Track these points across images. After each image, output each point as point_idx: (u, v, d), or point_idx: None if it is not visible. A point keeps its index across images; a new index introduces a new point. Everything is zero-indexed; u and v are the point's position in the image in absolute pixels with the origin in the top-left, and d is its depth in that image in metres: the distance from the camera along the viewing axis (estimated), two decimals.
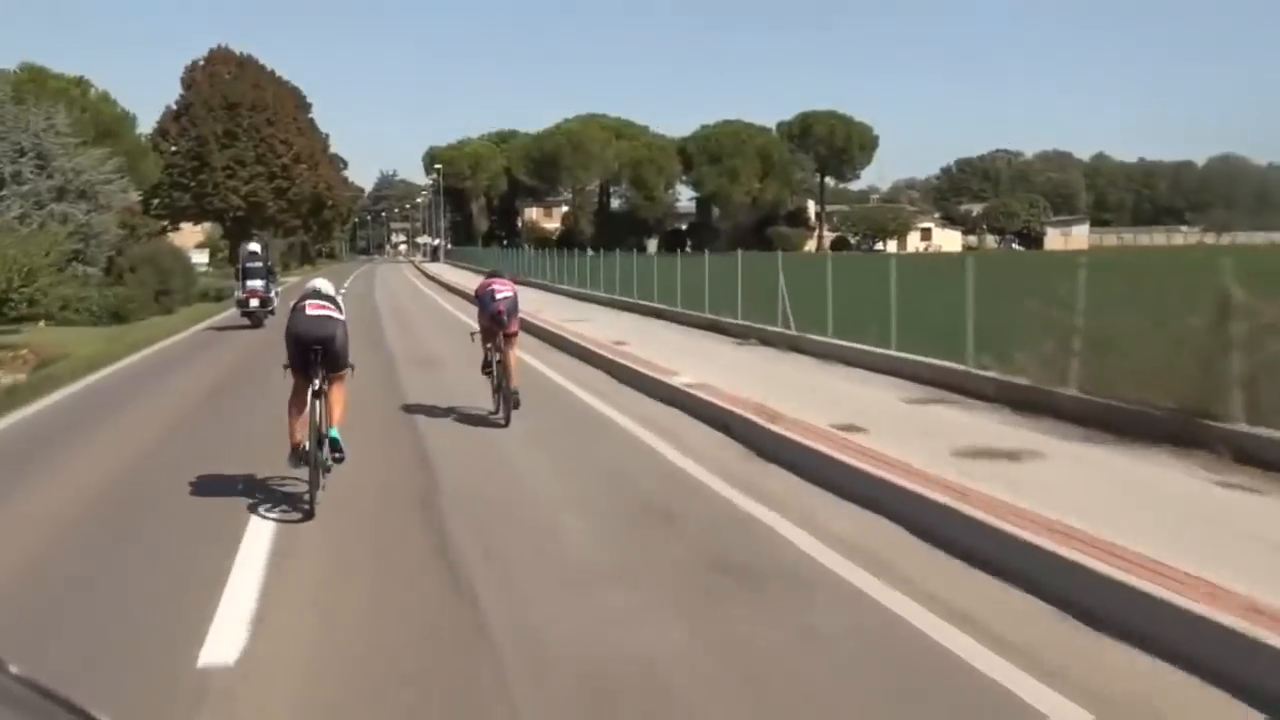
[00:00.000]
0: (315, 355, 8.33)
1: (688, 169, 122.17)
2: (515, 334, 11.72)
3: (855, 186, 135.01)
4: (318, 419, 8.24)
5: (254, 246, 28.46)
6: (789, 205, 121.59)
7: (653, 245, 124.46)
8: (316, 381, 8.33)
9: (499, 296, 11.66)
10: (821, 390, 12.80)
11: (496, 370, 11.76)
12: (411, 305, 38.35)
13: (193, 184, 73.73)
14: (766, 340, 17.91)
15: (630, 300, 29.26)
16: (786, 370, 14.74)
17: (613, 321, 24.80)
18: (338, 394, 8.54)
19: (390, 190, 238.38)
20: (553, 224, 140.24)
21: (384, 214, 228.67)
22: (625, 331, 21.21)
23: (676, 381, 13.36)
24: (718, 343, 18.89)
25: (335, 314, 8.59)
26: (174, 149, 73.53)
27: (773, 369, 14.91)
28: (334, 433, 8.43)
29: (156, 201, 73.19)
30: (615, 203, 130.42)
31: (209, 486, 8.90)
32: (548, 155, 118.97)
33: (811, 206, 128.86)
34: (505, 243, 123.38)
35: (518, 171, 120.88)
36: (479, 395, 12.70)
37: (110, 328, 27.18)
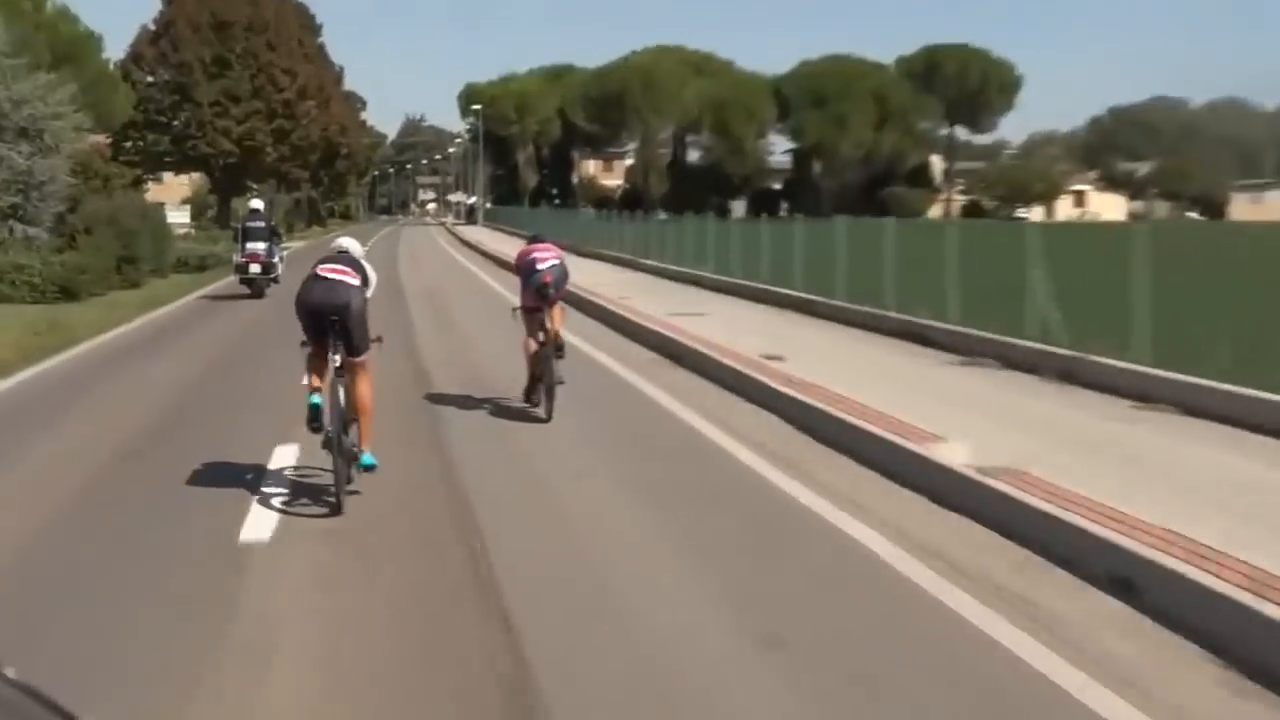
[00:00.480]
0: (332, 326, 8.50)
1: (784, 115, 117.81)
2: (559, 305, 11.96)
3: (989, 139, 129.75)
4: (341, 401, 8.45)
5: (256, 203, 29.69)
6: (910, 160, 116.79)
7: (738, 208, 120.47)
8: (336, 358, 8.55)
9: (542, 265, 11.67)
10: None
11: (541, 354, 11.69)
12: (448, 283, 35.02)
13: (173, 123, 70.59)
14: (1011, 361, 13.74)
15: (750, 285, 25.26)
16: (1159, 440, 10.14)
17: (739, 316, 21.04)
18: (364, 391, 8.73)
19: (417, 138, 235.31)
20: (613, 180, 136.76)
21: (409, 166, 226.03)
22: (768, 336, 17.51)
23: (959, 464, 8.88)
24: (930, 362, 14.93)
25: (350, 278, 8.67)
26: (150, 79, 70.37)
27: (1129, 437, 10.30)
28: (368, 459, 8.66)
29: (129, 145, 70.14)
30: (692, 155, 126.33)
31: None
32: (611, 95, 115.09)
33: (936, 163, 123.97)
34: (557, 201, 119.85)
35: (574, 115, 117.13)
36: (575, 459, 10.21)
37: (53, 306, 25.09)
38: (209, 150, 70.51)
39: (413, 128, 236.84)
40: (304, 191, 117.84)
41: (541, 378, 11.78)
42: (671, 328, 18.32)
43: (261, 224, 27.84)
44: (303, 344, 8.77)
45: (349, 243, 9.36)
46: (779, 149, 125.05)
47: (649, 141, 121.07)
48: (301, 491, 8.96)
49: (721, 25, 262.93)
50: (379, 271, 9.51)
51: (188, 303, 28.17)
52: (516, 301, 12.27)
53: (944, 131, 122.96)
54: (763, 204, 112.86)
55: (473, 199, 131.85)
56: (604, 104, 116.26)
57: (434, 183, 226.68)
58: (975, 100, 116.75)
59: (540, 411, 11.83)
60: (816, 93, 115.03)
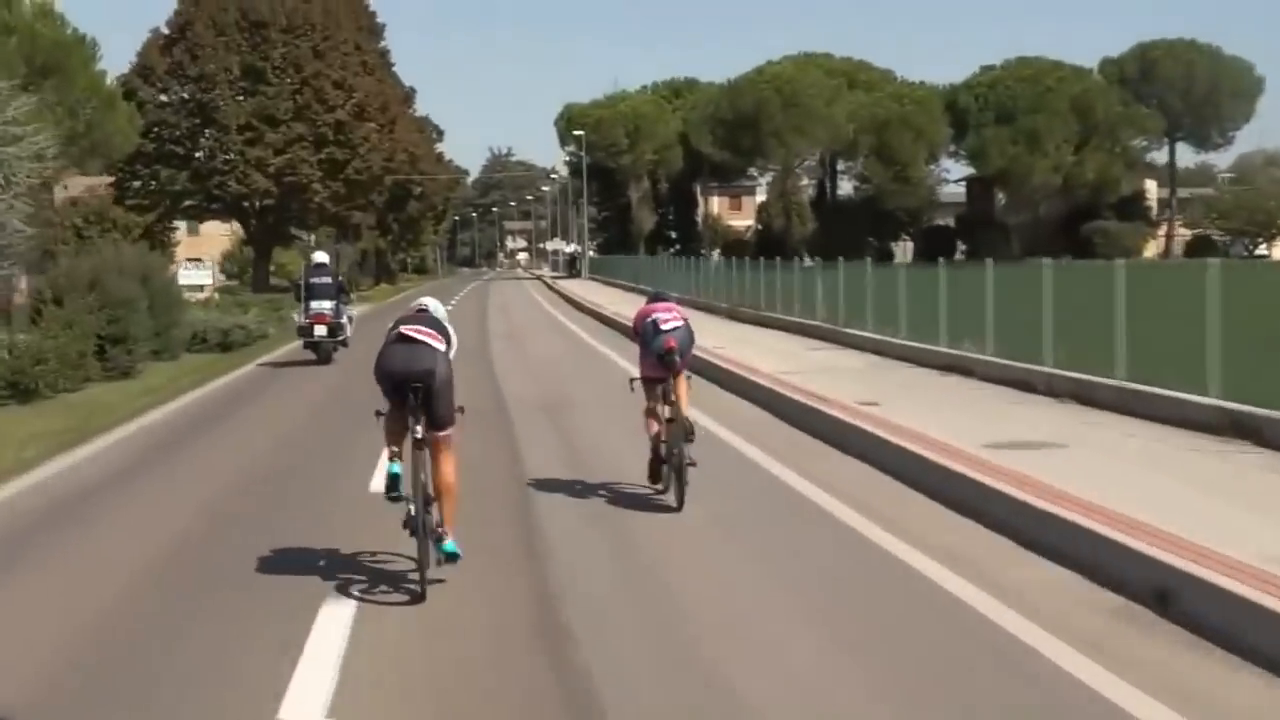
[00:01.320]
0: (414, 396, 8.58)
1: (959, 134, 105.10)
2: (684, 375, 11.78)
3: (1223, 157, 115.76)
4: (423, 476, 8.61)
5: (320, 256, 30.03)
6: (1120, 187, 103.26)
7: (902, 251, 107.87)
8: (418, 430, 8.59)
9: (666, 327, 11.51)
10: None
11: (667, 432, 11.44)
12: (571, 374, 26.95)
13: (194, 154, 59.43)
14: None
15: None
16: None
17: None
18: (446, 462, 8.80)
19: (503, 176, 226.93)
20: (741, 219, 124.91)
21: (495, 209, 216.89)
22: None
23: None
24: None
25: (435, 341, 8.82)
26: (163, 97, 59.26)
27: None
28: (450, 546, 8.66)
29: (138, 184, 59.21)
30: (843, 186, 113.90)
31: None
32: (745, 114, 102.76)
33: (1151, 188, 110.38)
34: (677, 247, 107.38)
35: (698, 141, 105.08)
36: None
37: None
38: (239, 189, 59.44)
39: (498, 164, 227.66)
40: (368, 241, 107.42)
41: (668, 459, 11.37)
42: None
43: (328, 279, 27.50)
44: (377, 414, 8.96)
45: (430, 302, 9.48)
46: (951, 176, 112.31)
47: (790, 171, 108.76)
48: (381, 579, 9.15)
49: (878, 29, 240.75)
50: (468, 355, 10.87)
51: (197, 399, 23.77)
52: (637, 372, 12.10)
53: (1155, 151, 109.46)
54: (934, 245, 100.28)
55: (573, 247, 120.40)
56: (736, 126, 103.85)
57: (524, 229, 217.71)
58: (1201, 110, 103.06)
59: (670, 499, 11.43)
60: (1002, 105, 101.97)
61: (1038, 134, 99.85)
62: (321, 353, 27.48)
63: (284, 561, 9.98)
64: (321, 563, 9.75)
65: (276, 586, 9.22)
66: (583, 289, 73.60)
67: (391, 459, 8.76)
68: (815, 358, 24.98)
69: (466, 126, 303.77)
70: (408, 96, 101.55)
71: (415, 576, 8.52)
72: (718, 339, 27.63)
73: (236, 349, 32.69)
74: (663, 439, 11.49)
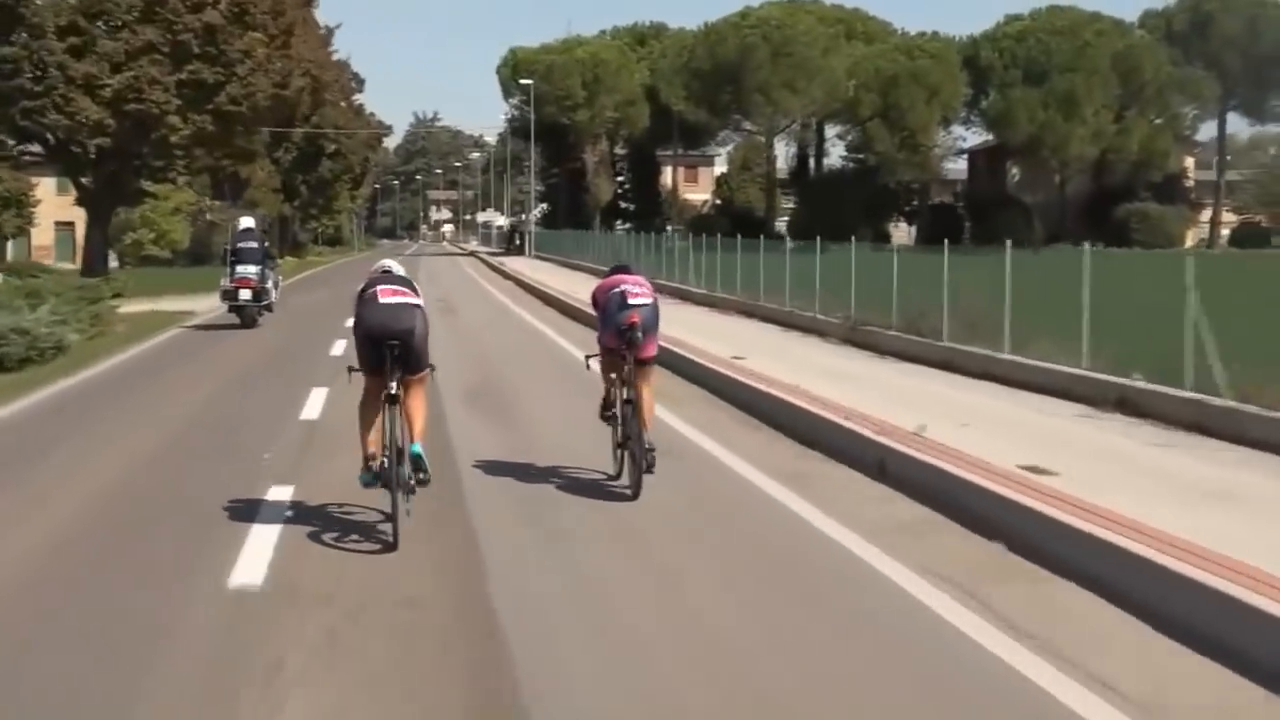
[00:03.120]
0: (391, 352, 8.73)
1: (976, 96, 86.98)
2: (652, 359, 10.71)
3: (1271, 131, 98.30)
4: (396, 430, 8.74)
5: (247, 222, 29.73)
6: (1169, 163, 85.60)
7: (900, 234, 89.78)
8: (392, 385, 8.72)
9: (633, 301, 10.41)
10: None
11: (622, 413, 10.44)
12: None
13: None
14: None
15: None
16: None
17: None
18: (417, 400, 9.03)
19: (428, 142, 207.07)
20: (698, 192, 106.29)
21: (419, 177, 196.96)
22: None
23: None
24: None
25: (413, 299, 9.00)
26: None
27: None
28: (416, 448, 8.87)
29: None
30: (834, 153, 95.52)
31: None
32: (725, 64, 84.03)
33: (1189, 165, 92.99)
34: (628, 225, 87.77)
35: (670, 94, 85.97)
36: None
37: None
38: (60, 122, 39.88)
39: (422, 128, 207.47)
40: (269, 204, 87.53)
41: (624, 441, 10.45)
42: None
43: (254, 244, 27.19)
44: (351, 370, 9.07)
45: (392, 264, 9.50)
46: (965, 144, 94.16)
47: (772, 132, 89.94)
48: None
49: None
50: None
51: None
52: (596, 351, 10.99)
53: (1206, 121, 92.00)
54: (940, 226, 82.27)
55: (520, 219, 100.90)
56: (714, 78, 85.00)
57: (450, 199, 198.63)
58: (1266, 74, 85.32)
59: (624, 483, 10.47)
60: (1032, 62, 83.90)
61: (1074, 97, 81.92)
62: (245, 317, 26.83)
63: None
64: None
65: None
66: (535, 270, 55.24)
67: (365, 465, 8.90)
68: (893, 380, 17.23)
69: (388, 88, 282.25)
70: (321, 34, 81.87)
71: (385, 527, 8.71)
72: (723, 340, 21.61)
73: (36, 361, 20.21)
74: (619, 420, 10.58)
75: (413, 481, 8.80)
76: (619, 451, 10.70)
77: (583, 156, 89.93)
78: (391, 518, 8.59)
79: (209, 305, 30.18)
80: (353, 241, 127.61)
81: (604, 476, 10.84)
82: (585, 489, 10.60)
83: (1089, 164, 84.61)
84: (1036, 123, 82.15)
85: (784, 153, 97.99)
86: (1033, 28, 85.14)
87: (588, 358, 11.43)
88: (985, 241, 73.36)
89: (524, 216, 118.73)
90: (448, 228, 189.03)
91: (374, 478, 8.81)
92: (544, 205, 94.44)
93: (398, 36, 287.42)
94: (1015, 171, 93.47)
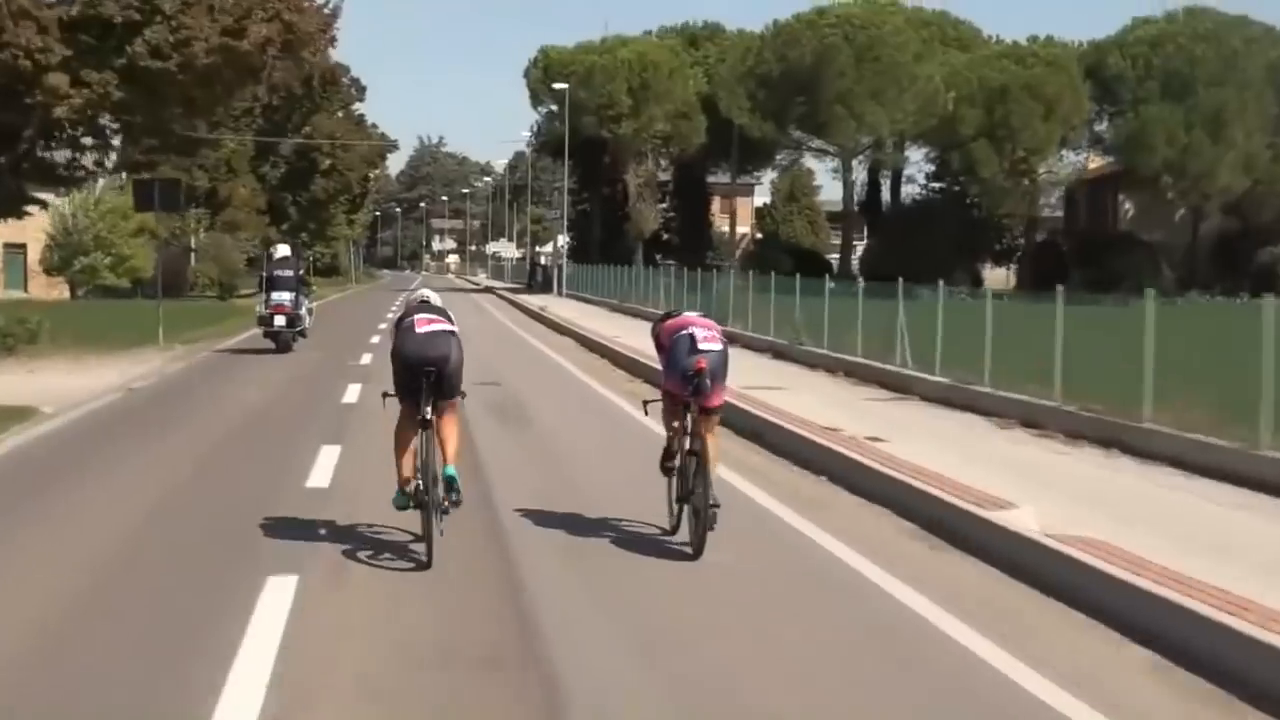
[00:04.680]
0: (427, 379, 9.00)
1: (1103, 107, 71.49)
2: (719, 409, 9.91)
3: None
4: (431, 454, 8.99)
5: (283, 250, 29.88)
6: None
7: (996, 277, 74.32)
8: (427, 411, 8.99)
9: (703, 346, 9.61)
10: None
11: (684, 465, 9.62)
12: None
13: None
14: None
15: None
16: None
17: None
18: (450, 425, 9.27)
19: (432, 168, 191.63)
20: (739, 226, 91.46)
21: (422, 204, 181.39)
22: None
23: None
24: None
25: (448, 327, 9.30)
26: None
27: None
28: (450, 470, 9.09)
29: None
30: (913, 179, 80.00)
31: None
32: (798, 70, 68.71)
33: None
34: (674, 260, 71.63)
35: (733, 106, 70.23)
36: None
37: None
38: None
39: (425, 155, 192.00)
40: (252, 226, 72.18)
41: (686, 497, 9.57)
42: None
43: (289, 272, 27.58)
44: (385, 395, 9.33)
45: (430, 293, 9.98)
46: (1071, 171, 78.23)
47: (853, 156, 74.13)
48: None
49: None
50: None
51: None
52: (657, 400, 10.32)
53: None
54: (1043, 269, 67.20)
55: (547, 249, 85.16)
56: (787, 87, 69.56)
57: (455, 228, 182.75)
58: None
59: (681, 541, 9.60)
60: (1173, 74, 68.38)
61: (1222, 116, 66.18)
62: (280, 342, 27.27)
63: None
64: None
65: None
66: (588, 318, 40.45)
67: (402, 486, 9.10)
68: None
69: (389, 112, 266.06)
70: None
71: (424, 547, 8.87)
72: (843, 410, 17.44)
73: None
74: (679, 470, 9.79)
75: (446, 503, 9.06)
76: (678, 506, 9.87)
77: (624, 178, 73.95)
78: (425, 538, 8.81)
79: (147, 370, 22.58)
80: (350, 270, 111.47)
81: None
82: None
83: (1232, 197, 69.08)
84: (1177, 146, 66.55)
85: (839, 180, 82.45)
86: (1171, 31, 69.47)
87: (646, 403, 10.86)
88: (1099, 288, 59.42)
89: (550, 248, 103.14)
90: (453, 259, 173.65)
91: (407, 500, 9.05)
92: (564, 237, 78.40)
93: (401, 55, 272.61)
94: (1128, 206, 77.77)
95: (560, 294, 69.26)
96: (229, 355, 27.55)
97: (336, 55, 68.47)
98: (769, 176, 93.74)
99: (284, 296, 27.17)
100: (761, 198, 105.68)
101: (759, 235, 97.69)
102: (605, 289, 60.05)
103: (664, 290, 44.56)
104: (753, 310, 31.85)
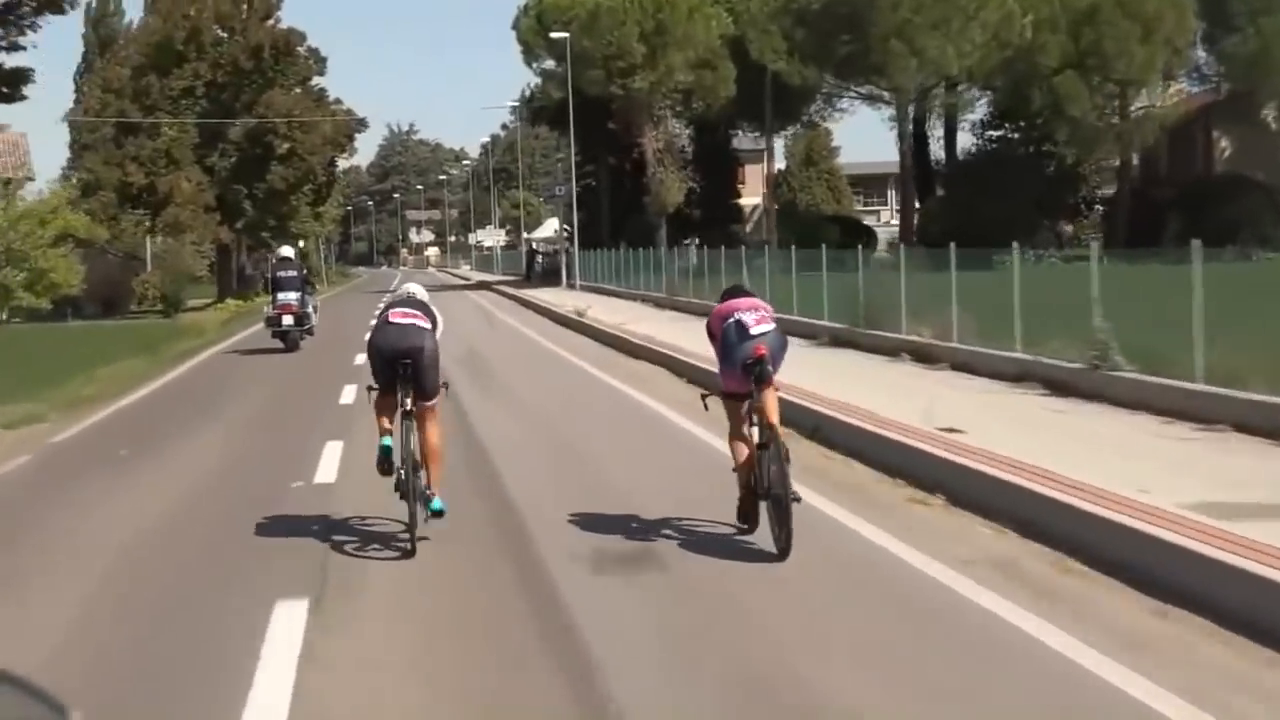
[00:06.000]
0: (403, 371, 9.06)
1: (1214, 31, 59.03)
2: (775, 386, 9.22)
3: None
4: (411, 443, 9.09)
5: (286, 251, 31.21)
6: None
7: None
8: (407, 402, 9.11)
9: (755, 330, 9.06)
10: None
11: (759, 460, 8.85)
12: None
13: None
14: None
15: None
16: None
17: None
18: (432, 429, 9.26)
19: (404, 157, 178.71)
20: (746, 196, 79.05)
21: (396, 195, 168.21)
22: None
23: None
24: None
25: (421, 322, 9.31)
26: None
27: None
28: (437, 504, 9.14)
29: None
30: (968, 127, 67.41)
31: None
32: (846, 4, 56.19)
33: None
34: (698, 237, 58.85)
35: (766, 49, 57.54)
36: None
37: None
38: None
39: (397, 144, 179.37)
40: (200, 225, 59.88)
41: (765, 491, 8.73)
42: None
43: (294, 273, 28.12)
44: (369, 388, 9.40)
45: (417, 288, 10.03)
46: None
47: (909, 98, 61.35)
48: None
49: None
50: None
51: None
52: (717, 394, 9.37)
53: None
54: (1142, 225, 55.55)
55: (537, 234, 72.50)
56: (831, 23, 56.97)
57: (431, 219, 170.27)
58: None
59: (763, 541, 8.74)
60: None
61: None
62: (289, 341, 27.80)
63: None
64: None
65: None
66: (642, 323, 29.47)
67: (383, 434, 9.14)
68: None
69: (356, 100, 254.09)
70: None
71: (405, 536, 8.86)
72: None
73: None
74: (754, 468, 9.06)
75: (430, 492, 9.11)
76: (750, 499, 9.10)
77: (639, 142, 61.07)
78: (410, 527, 8.79)
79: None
80: (321, 269, 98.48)
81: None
82: None
83: None
84: None
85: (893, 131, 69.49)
86: None
87: (704, 396, 10.04)
88: (1212, 241, 46.75)
89: (542, 232, 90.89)
90: (432, 251, 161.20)
91: (391, 468, 9.04)
92: (572, 215, 65.54)
93: (365, 40, 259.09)
94: (1225, 144, 65.57)
95: (572, 286, 56.80)
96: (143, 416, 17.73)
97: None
98: (781, 139, 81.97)
99: (290, 296, 27.48)
100: (772, 165, 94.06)
101: (774, 205, 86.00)
102: (630, 278, 48.06)
103: (722, 274, 33.12)
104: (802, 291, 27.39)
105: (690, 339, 23.31)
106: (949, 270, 20.87)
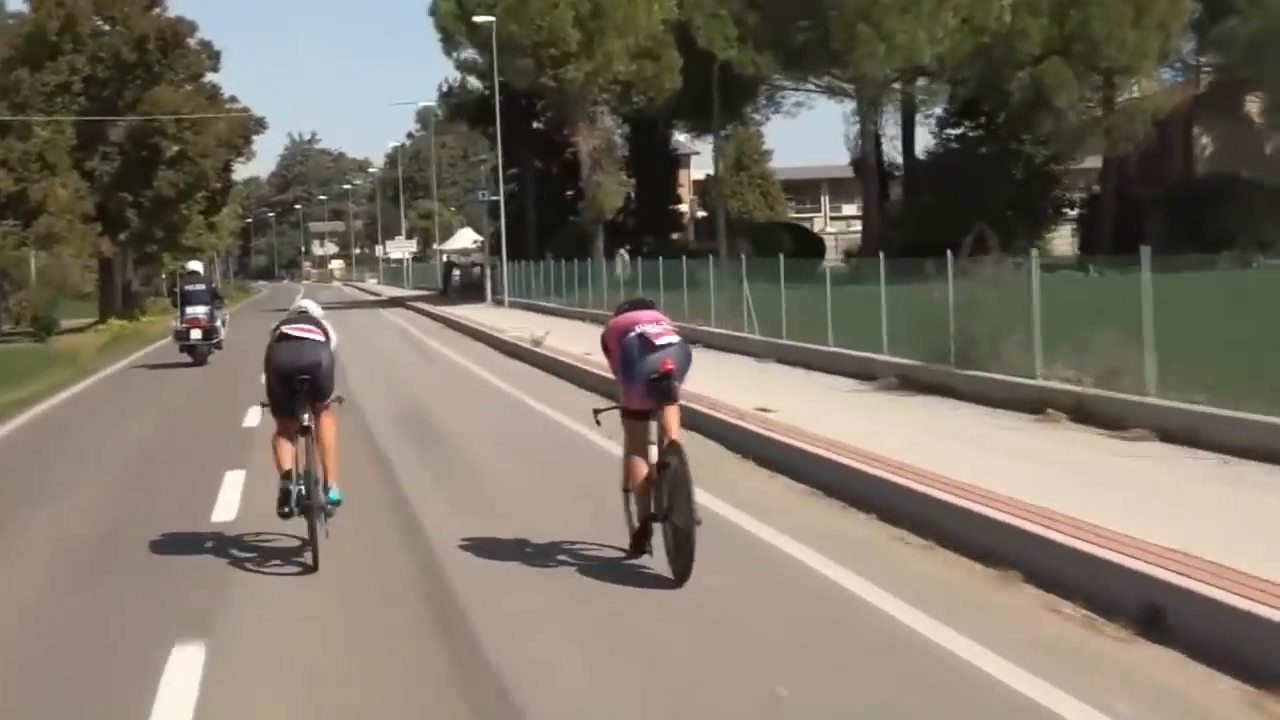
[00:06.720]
0: (300, 387, 8.89)
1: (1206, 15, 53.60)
2: (676, 404, 8.67)
3: None
4: (311, 460, 8.88)
5: (194, 265, 30.77)
6: None
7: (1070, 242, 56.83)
8: (305, 417, 8.97)
9: (660, 342, 8.43)
10: None
11: (659, 479, 8.29)
12: None
13: None
14: None
15: None
16: None
17: None
18: (328, 429, 9.16)
19: (305, 167, 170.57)
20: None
21: (298, 207, 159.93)
22: None
23: None
24: None
25: (316, 335, 9.09)
26: None
27: None
28: (335, 494, 9.10)
29: None
30: (929, 125, 61.53)
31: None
32: None
33: None
34: (631, 246, 52.07)
35: (714, 36, 51.06)
36: None
37: None
38: None
39: (299, 152, 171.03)
40: (80, 243, 52.39)
41: (664, 516, 8.14)
42: None
43: (201, 286, 28.20)
44: (262, 405, 9.30)
45: (309, 304, 9.70)
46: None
47: (870, 94, 55.11)
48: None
49: None
50: None
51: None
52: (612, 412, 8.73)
53: None
54: (1126, 228, 50.37)
55: (473, 243, 65.85)
56: (787, 7, 50.65)
57: (334, 231, 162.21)
58: None
59: (658, 565, 8.17)
60: None
61: None
62: (197, 355, 27.84)
63: None
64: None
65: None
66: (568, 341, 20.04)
67: (284, 476, 8.92)
68: None
69: (256, 104, 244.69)
70: None
71: (309, 551, 8.77)
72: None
73: None
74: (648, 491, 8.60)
75: (329, 506, 9.02)
76: (640, 524, 8.58)
77: (574, 141, 54.20)
78: (310, 543, 8.71)
79: None
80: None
81: None
82: None
83: None
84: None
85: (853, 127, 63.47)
86: None
87: (597, 412, 9.05)
88: (1202, 248, 44.14)
89: (454, 243, 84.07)
90: (337, 264, 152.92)
91: (287, 502, 8.83)
92: (470, 231, 58.19)
93: (266, 49, 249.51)
94: (1205, 141, 60.29)
95: (500, 303, 49.91)
96: None
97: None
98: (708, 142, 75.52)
99: (199, 310, 27.49)
100: (698, 171, 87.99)
101: (701, 212, 79.89)
102: (566, 293, 41.61)
103: (684, 289, 29.70)
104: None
105: (723, 383, 16.49)
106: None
